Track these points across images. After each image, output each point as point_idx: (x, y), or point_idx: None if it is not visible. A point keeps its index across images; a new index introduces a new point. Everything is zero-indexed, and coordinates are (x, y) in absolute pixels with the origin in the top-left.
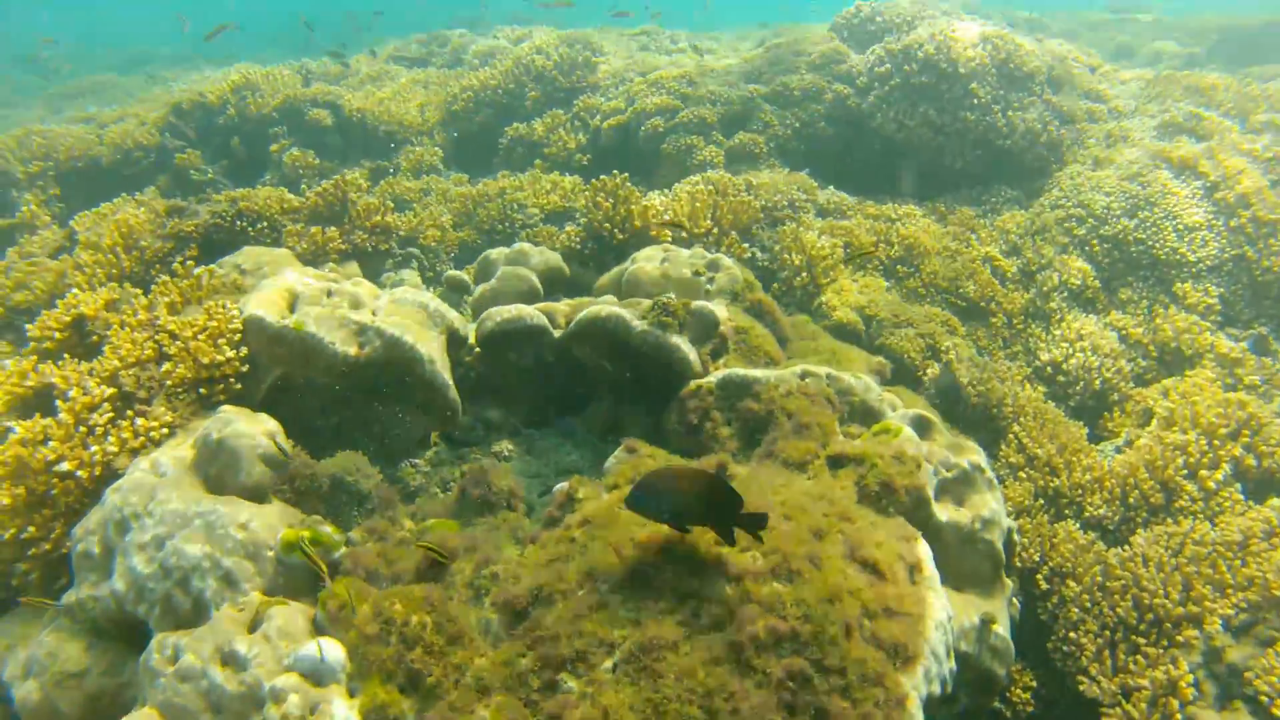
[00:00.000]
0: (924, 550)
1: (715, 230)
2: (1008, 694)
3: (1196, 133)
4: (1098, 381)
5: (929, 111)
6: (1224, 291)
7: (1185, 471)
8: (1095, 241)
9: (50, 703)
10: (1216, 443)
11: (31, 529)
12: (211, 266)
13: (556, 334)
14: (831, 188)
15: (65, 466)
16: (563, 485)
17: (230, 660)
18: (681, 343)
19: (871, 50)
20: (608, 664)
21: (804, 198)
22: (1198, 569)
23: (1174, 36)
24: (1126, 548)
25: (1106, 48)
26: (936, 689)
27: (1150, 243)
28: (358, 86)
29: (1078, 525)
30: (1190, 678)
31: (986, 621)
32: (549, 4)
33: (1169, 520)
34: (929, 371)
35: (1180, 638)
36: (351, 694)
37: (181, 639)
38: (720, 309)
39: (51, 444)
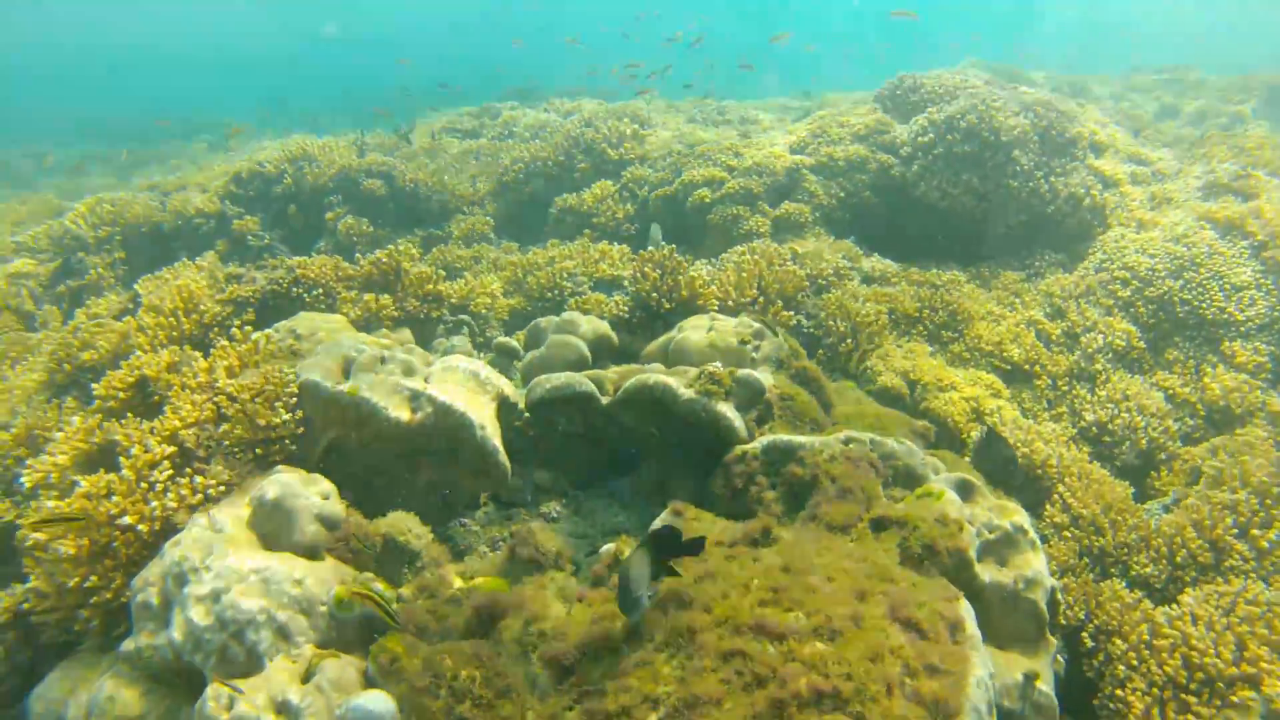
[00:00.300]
0: (966, 610)
1: (761, 299)
2: None
3: (1243, 192)
4: (1144, 441)
5: (972, 180)
6: (1275, 350)
7: (1235, 531)
8: (1140, 303)
9: None
10: (1269, 502)
11: (94, 578)
12: (268, 332)
13: (605, 400)
14: (876, 255)
15: (127, 520)
16: (609, 546)
17: (284, 709)
18: (728, 410)
19: (915, 120)
20: (653, 719)
21: (848, 265)
22: (1252, 629)
23: (1219, 95)
24: (1175, 606)
25: (1150, 108)
26: None
27: (1197, 303)
28: (411, 157)
29: (1124, 584)
30: None
31: (1030, 678)
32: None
33: (1219, 579)
34: (973, 435)
35: (1235, 698)
36: None
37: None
38: (766, 376)
39: (115, 498)
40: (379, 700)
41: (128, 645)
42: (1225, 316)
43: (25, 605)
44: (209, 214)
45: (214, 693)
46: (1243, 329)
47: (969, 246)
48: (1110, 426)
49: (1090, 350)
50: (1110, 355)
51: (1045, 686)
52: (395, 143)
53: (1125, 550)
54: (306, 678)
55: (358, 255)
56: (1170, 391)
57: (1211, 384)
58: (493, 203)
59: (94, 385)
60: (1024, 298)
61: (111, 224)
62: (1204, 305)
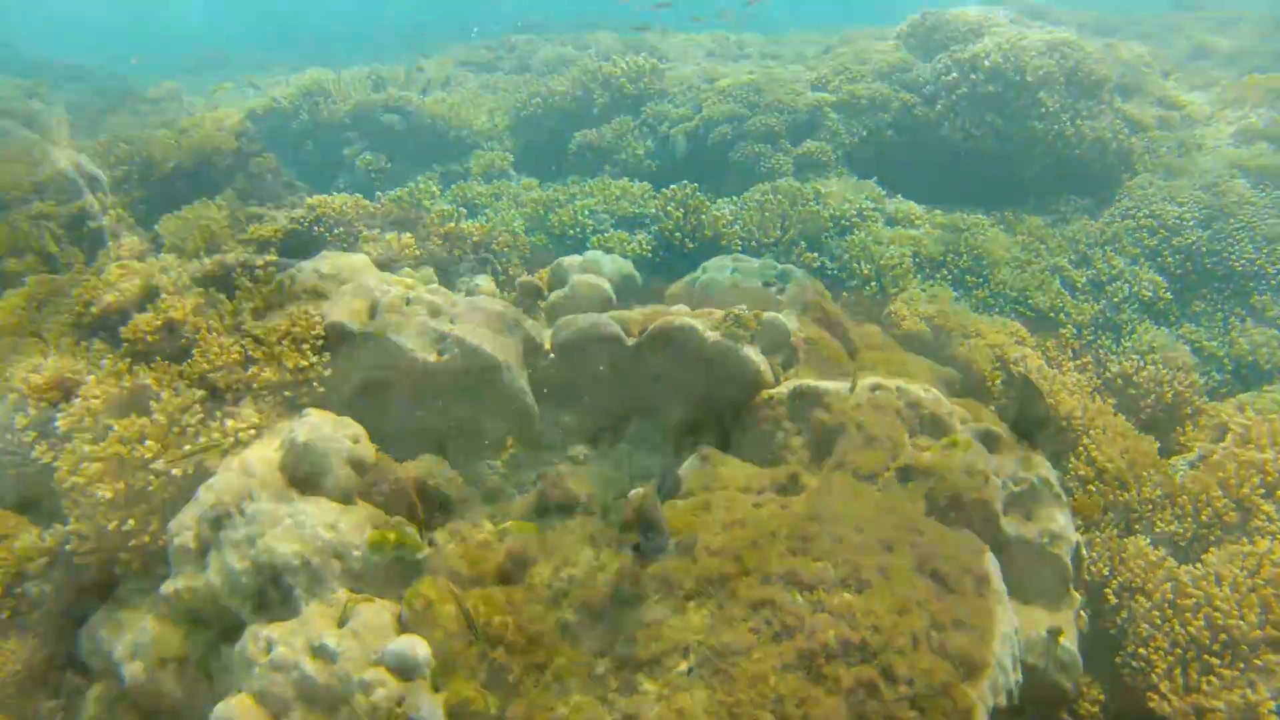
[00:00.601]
0: (991, 563)
1: (785, 240)
2: (1075, 707)
3: (1279, 140)
4: (1169, 394)
5: (996, 120)
6: None
7: (1262, 490)
8: (1167, 252)
9: (155, 682)
10: None
11: (131, 521)
12: (291, 272)
13: (630, 342)
14: (899, 196)
15: (161, 464)
16: (637, 490)
17: (321, 653)
18: (753, 354)
19: (938, 59)
20: (683, 667)
21: (872, 206)
22: (1277, 592)
23: (1255, 35)
24: (1199, 565)
25: (1182, 49)
26: (1003, 700)
27: (1226, 254)
28: (427, 91)
29: (1148, 541)
30: (1272, 704)
31: (1054, 634)
32: (643, 22)
33: (1244, 540)
34: (998, 383)
35: (1259, 661)
36: (436, 689)
37: (274, 631)
38: (791, 320)
39: (148, 442)
40: (415, 645)
41: (167, 588)
42: (1255, 269)
43: (68, 547)
44: (226, 151)
45: (252, 635)
46: (1273, 282)
47: (993, 189)
48: (1135, 379)
49: (1116, 300)
50: (1137, 305)
51: (1069, 643)
52: (410, 76)
53: (1150, 506)
54: (342, 622)
55: (377, 193)
56: (1197, 344)
57: (1240, 338)
58: (511, 138)
59: (121, 329)
60: (1049, 243)
61: (128, 163)
62: (1234, 257)
